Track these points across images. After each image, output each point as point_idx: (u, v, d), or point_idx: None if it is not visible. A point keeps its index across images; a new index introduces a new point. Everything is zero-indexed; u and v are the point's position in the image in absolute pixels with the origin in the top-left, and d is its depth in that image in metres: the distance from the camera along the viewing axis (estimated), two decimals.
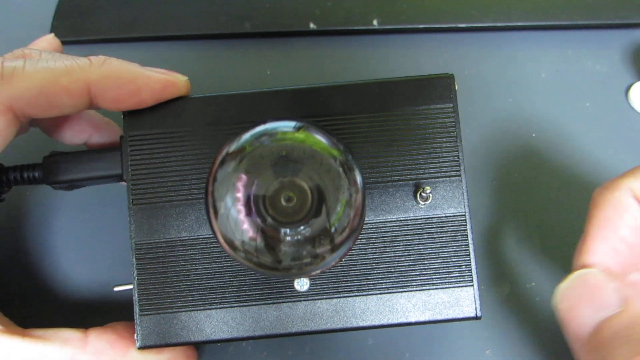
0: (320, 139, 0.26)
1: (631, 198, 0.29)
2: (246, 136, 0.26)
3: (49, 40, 0.39)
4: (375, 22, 0.44)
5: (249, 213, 0.25)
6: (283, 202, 0.25)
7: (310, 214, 0.25)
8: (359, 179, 0.26)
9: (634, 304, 0.27)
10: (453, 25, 0.44)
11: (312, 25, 0.45)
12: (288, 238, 0.25)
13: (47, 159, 0.33)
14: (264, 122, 0.27)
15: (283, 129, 0.26)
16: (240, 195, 0.25)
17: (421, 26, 0.44)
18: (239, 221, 0.25)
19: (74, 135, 0.36)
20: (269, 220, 0.25)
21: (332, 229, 0.26)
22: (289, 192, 0.25)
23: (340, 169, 0.26)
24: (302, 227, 0.25)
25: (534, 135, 0.42)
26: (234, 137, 0.26)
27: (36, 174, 0.33)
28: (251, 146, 0.26)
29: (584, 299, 0.28)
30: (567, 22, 0.44)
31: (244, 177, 0.25)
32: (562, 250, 0.39)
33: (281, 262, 0.26)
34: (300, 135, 0.26)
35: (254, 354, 0.37)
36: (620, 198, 0.29)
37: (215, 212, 0.26)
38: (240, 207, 0.25)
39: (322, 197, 0.25)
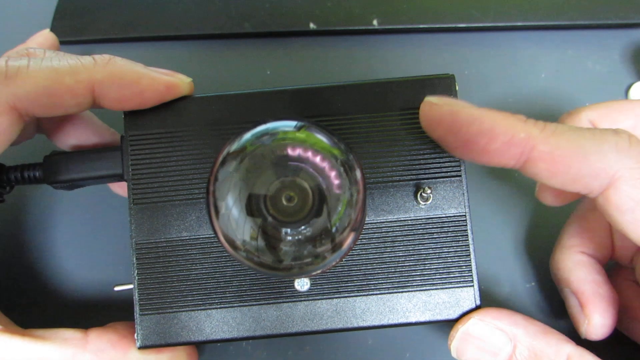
0: (322, 138, 0.26)
1: (587, 262, 0.33)
2: (247, 136, 0.26)
3: (45, 35, 0.39)
4: (375, 22, 0.44)
5: (250, 213, 0.25)
6: (284, 202, 0.25)
7: (311, 214, 0.25)
8: (360, 178, 0.26)
9: (514, 335, 0.29)
10: (453, 25, 0.44)
11: (312, 25, 0.45)
12: (289, 237, 0.25)
13: (47, 159, 0.33)
14: (265, 121, 0.26)
15: (284, 129, 0.26)
16: (241, 194, 0.25)
17: (421, 26, 0.44)
18: (240, 221, 0.25)
19: (78, 142, 0.36)
20: (270, 219, 0.25)
21: (333, 229, 0.25)
22: (290, 192, 0.25)
23: (342, 168, 0.26)
24: (303, 227, 0.25)
25: None
26: (235, 136, 0.26)
27: (37, 174, 0.33)
28: (252, 146, 0.26)
29: (478, 350, 0.29)
30: (567, 22, 0.44)
31: (245, 176, 0.25)
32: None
33: (282, 262, 0.26)
34: (301, 134, 0.26)
35: (254, 353, 0.37)
36: (583, 267, 0.33)
37: (217, 212, 0.26)
38: (242, 206, 0.25)
39: (323, 196, 0.25)
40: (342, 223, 0.26)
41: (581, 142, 0.26)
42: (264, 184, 0.25)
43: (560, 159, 0.26)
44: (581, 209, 0.35)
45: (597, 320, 0.31)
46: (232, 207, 0.25)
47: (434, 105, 0.29)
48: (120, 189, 0.38)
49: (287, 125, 0.26)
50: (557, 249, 0.34)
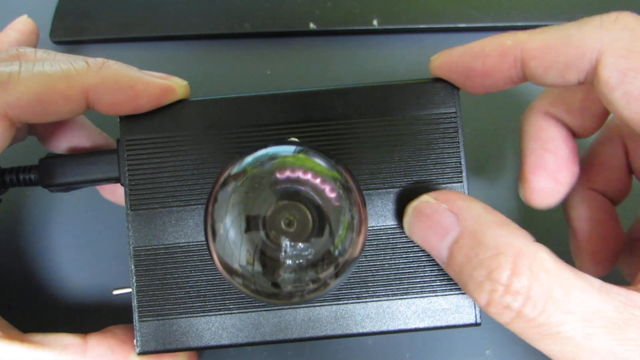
0: (320, 162, 0.26)
1: (549, 123, 0.32)
2: (248, 159, 0.26)
3: (24, 22, 0.39)
4: (375, 22, 0.44)
5: (248, 235, 0.25)
6: (283, 226, 0.25)
7: (311, 238, 0.25)
8: (359, 200, 0.26)
9: (465, 218, 0.27)
10: (453, 25, 0.44)
11: (312, 25, 0.44)
12: (288, 262, 0.25)
13: (43, 162, 0.33)
14: (265, 146, 0.26)
15: (284, 153, 0.26)
16: (239, 217, 0.25)
17: (421, 26, 0.44)
18: (237, 244, 0.25)
19: (70, 146, 0.36)
20: (269, 243, 0.25)
21: (335, 253, 0.25)
22: (289, 216, 0.25)
23: (341, 191, 0.26)
24: (303, 252, 0.25)
25: None
26: (235, 159, 0.26)
27: (32, 177, 0.33)
28: (252, 169, 0.26)
29: (427, 228, 0.28)
30: (566, 22, 0.44)
31: (244, 199, 0.25)
32: (562, 250, 0.38)
33: (281, 288, 0.25)
34: (300, 157, 0.26)
35: (254, 354, 0.37)
36: (541, 126, 0.32)
37: (214, 234, 0.25)
38: (240, 229, 0.25)
39: (323, 220, 0.25)
40: (344, 246, 0.25)
41: (567, 31, 0.27)
42: (263, 207, 0.25)
43: (548, 50, 0.27)
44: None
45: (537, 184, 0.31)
46: (229, 229, 0.25)
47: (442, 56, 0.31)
48: (110, 194, 0.38)
49: (287, 150, 0.26)
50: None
